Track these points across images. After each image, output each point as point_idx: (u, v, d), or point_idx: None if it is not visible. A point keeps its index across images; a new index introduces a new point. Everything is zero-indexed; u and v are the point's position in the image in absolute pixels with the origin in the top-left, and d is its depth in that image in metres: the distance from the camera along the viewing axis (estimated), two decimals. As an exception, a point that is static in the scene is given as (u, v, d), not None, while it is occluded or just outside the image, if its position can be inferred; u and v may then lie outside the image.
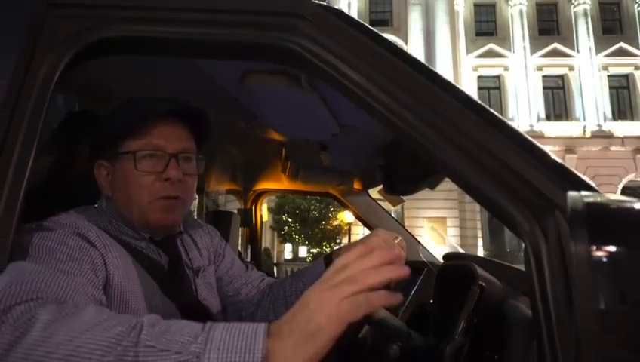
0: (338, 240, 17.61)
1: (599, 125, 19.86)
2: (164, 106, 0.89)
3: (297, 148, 1.63)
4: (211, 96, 1.23)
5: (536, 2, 21.21)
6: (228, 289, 1.12)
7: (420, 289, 1.27)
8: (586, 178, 0.64)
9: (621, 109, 20.43)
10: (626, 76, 20.61)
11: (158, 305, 0.87)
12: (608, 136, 19.75)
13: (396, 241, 0.87)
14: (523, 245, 0.60)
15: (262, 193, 2.44)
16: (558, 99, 20.87)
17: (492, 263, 1.17)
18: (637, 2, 20.75)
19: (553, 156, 0.67)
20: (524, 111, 20.16)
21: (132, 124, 0.88)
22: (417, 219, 18.43)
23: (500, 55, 20.85)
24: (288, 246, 20.05)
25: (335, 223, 17.33)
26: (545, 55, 20.69)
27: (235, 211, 2.46)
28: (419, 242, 2.18)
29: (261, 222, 2.51)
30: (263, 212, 2.54)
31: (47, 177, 1.07)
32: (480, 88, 20.89)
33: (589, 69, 20.32)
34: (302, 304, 0.53)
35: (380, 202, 2.26)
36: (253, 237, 2.48)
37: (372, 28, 0.78)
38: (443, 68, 20.17)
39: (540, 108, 20.39)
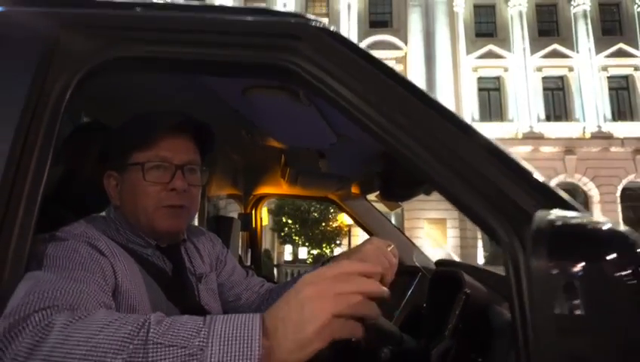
0: (338, 242, 17.66)
1: (599, 126, 19.89)
2: (171, 120, 0.94)
3: (296, 155, 1.68)
4: (213, 107, 1.27)
5: (536, 3, 21.26)
6: (229, 294, 1.17)
7: (416, 293, 1.32)
8: (566, 196, 0.68)
9: (621, 110, 20.46)
10: (626, 77, 20.65)
11: (163, 310, 0.91)
12: (608, 137, 19.78)
13: (389, 249, 0.92)
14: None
15: (262, 197, 2.48)
16: (557, 100, 20.91)
17: (480, 270, 1.21)
18: (636, 3, 20.80)
19: (535, 174, 0.72)
20: (523, 112, 20.19)
21: (141, 137, 0.93)
22: (418, 221, 18.48)
23: (499, 56, 20.88)
24: (288, 248, 20.08)
25: (335, 224, 17.38)
26: (545, 56, 20.73)
27: (236, 215, 2.51)
28: (415, 246, 2.23)
29: (261, 226, 2.56)
30: (263, 216, 2.58)
31: (58, 185, 1.12)
32: (480, 89, 20.94)
33: (588, 69, 20.35)
34: (298, 304, 0.56)
35: (378, 206, 2.30)
36: (253, 241, 2.53)
37: (366, 50, 0.83)
38: (443, 69, 20.22)
39: (539, 109, 20.42)
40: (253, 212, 2.52)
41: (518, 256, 0.58)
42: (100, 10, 0.87)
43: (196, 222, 2.20)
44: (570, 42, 20.80)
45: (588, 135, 19.97)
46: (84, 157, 1.11)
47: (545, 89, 20.79)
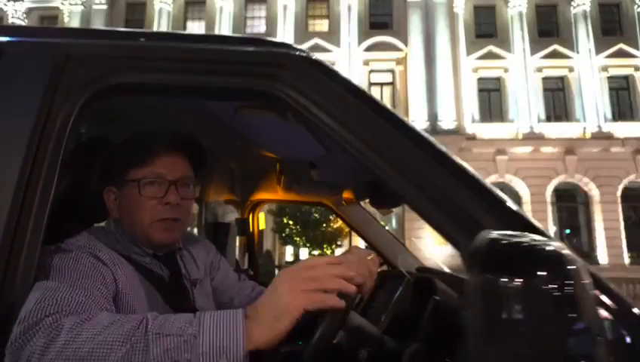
0: (339, 243, 17.72)
1: (599, 126, 19.91)
2: (165, 140, 1.02)
3: (289, 164, 1.76)
4: (210, 122, 1.36)
5: (536, 4, 21.29)
6: (223, 297, 1.25)
7: (401, 298, 1.39)
8: (530, 217, 0.76)
9: (621, 110, 20.47)
10: (626, 77, 20.66)
11: (160, 313, 0.99)
12: (608, 137, 19.79)
13: (369, 258, 1.00)
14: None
15: (258, 203, 2.56)
16: (558, 100, 20.92)
17: (455, 277, 1.29)
18: (636, 4, 20.81)
19: (499, 196, 0.79)
20: (524, 113, 20.21)
21: (137, 156, 1.01)
22: (418, 220, 18.51)
23: (499, 57, 20.92)
24: (290, 249, 20.15)
25: (336, 226, 17.44)
26: (545, 56, 20.75)
27: (233, 220, 2.59)
28: (407, 250, 2.31)
29: (258, 230, 2.64)
30: (260, 221, 2.66)
31: (61, 197, 1.20)
32: (480, 90, 20.97)
33: (588, 70, 20.37)
34: (272, 288, 0.70)
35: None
36: (250, 245, 2.61)
37: (344, 77, 0.90)
38: (443, 70, 20.27)
39: (540, 109, 20.45)
40: (251, 217, 2.59)
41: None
42: (100, 41, 0.95)
43: (195, 229, 2.29)
44: (570, 43, 20.82)
45: (588, 135, 19.98)
46: (86, 172, 1.19)
47: (545, 89, 20.81)
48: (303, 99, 0.86)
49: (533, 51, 20.67)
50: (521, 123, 20.21)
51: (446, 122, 19.89)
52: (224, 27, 21.89)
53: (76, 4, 22.70)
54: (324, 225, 17.49)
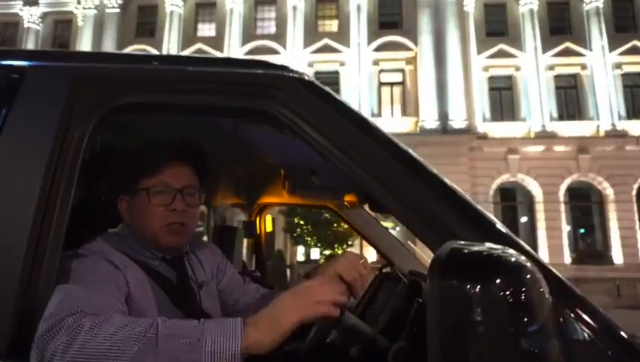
0: (350, 242, 17.77)
1: (613, 124, 19.66)
2: (172, 152, 1.12)
3: (292, 170, 1.85)
4: (215, 133, 1.45)
5: (547, 1, 21.10)
6: (229, 299, 1.33)
7: (397, 298, 1.46)
8: (501, 226, 0.83)
9: (635, 108, 20.19)
10: (640, 74, 20.39)
11: (169, 313, 1.08)
12: (622, 135, 19.53)
13: (360, 262, 1.08)
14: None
15: (265, 206, 2.65)
16: (570, 98, 20.71)
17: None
18: (651, -1, 20.51)
19: (477, 209, 0.87)
20: (536, 112, 20.05)
21: (147, 167, 1.10)
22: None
23: (511, 55, 20.78)
24: (301, 249, 20.26)
25: (346, 226, 17.46)
26: (557, 54, 20.57)
27: (241, 223, 2.68)
28: (410, 252, 2.37)
29: (265, 232, 2.73)
30: (267, 223, 2.75)
31: (77, 205, 1.29)
32: (491, 89, 20.85)
33: (602, 67, 20.13)
34: (274, 304, 0.81)
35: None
36: (257, 247, 2.70)
37: (334, 95, 0.98)
38: (453, 69, 20.19)
39: (552, 107, 20.27)
40: (258, 219, 2.68)
41: None
42: (112, 65, 1.04)
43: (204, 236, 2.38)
44: (582, 40, 20.59)
45: (602, 133, 19.75)
46: (99, 182, 1.28)
47: (557, 87, 20.62)
48: (296, 118, 0.94)
49: (545, 49, 20.49)
50: (533, 121, 20.05)
51: (457, 121, 19.82)
52: (234, 29, 22.08)
53: (90, 8, 23.10)
54: (335, 225, 17.54)
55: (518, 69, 20.72)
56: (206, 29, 22.93)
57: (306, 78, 1.00)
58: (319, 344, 0.88)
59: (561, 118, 20.33)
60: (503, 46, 20.79)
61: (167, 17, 22.57)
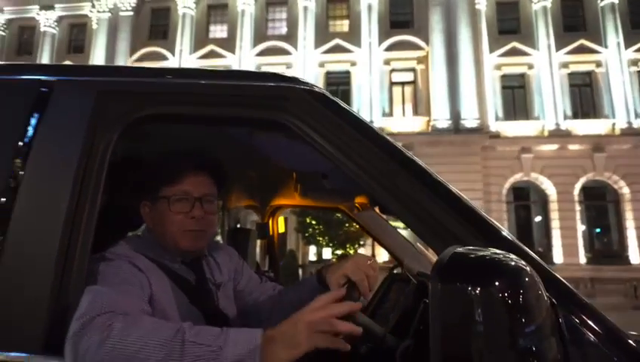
0: (362, 242, 17.79)
1: (629, 122, 19.35)
2: (192, 162, 1.18)
3: (304, 174, 1.90)
4: (229, 140, 1.51)
5: (561, -2, 20.87)
6: (248, 299, 1.39)
7: (406, 298, 1.51)
8: (511, 235, 0.87)
9: (653, 105, 19.86)
10: (657, 71, 20.02)
11: (187, 313, 1.14)
12: (639, 133, 19.21)
13: (368, 263, 1.13)
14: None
15: (278, 208, 2.71)
16: (585, 96, 20.44)
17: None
18: (668, -6, 20.13)
19: (481, 215, 0.91)
20: (549, 110, 19.83)
21: (168, 176, 1.17)
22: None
23: (524, 53, 20.58)
24: (313, 248, 20.33)
25: (358, 226, 17.47)
26: (571, 52, 20.31)
27: (254, 224, 2.74)
28: (420, 253, 2.41)
29: (278, 234, 2.79)
30: (280, 224, 2.81)
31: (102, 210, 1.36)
32: (504, 87, 20.68)
33: (617, 64, 19.83)
34: (292, 323, 0.83)
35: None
36: (271, 248, 2.76)
37: (343, 106, 1.03)
38: (465, 68, 20.06)
39: (566, 106, 20.02)
40: (270, 221, 2.74)
41: None
42: (134, 79, 1.11)
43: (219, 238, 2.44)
44: (597, 37, 20.31)
45: (617, 131, 19.44)
46: (122, 189, 1.35)
47: (571, 85, 20.36)
48: (306, 127, 0.99)
49: (559, 47, 20.25)
50: (546, 120, 19.83)
51: (469, 120, 19.69)
52: (246, 30, 22.24)
53: (104, 12, 23.46)
54: (347, 225, 17.57)
55: (531, 67, 20.51)
56: (218, 31, 23.13)
57: (316, 89, 1.05)
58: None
59: (575, 116, 20.07)
60: (515, 44, 20.59)
61: (180, 19, 22.82)
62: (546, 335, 0.70)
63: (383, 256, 12.75)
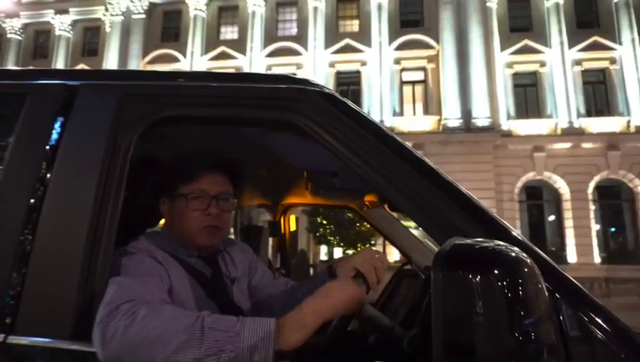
0: (373, 242, 17.79)
1: (645, 120, 19.06)
2: (208, 161, 1.24)
3: (314, 173, 1.95)
4: (243, 140, 1.56)
5: (574, -6, 20.61)
6: (262, 294, 1.44)
7: (415, 292, 1.55)
8: (514, 230, 0.91)
9: (668, 102, 19.50)
10: (674, 67, 19.66)
11: (204, 305, 1.20)
12: (655, 130, 18.92)
13: (376, 257, 1.18)
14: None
15: (289, 207, 2.77)
16: (599, 93, 20.15)
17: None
18: (684, -11, 19.76)
19: (485, 210, 0.95)
20: (562, 108, 19.60)
21: (186, 175, 1.23)
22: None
23: (536, 51, 20.36)
24: (324, 248, 20.37)
25: (369, 225, 17.47)
26: (584, 49, 20.04)
27: (266, 222, 2.80)
28: (427, 248, 2.44)
29: (289, 231, 2.85)
30: (291, 223, 2.87)
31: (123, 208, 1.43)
32: (515, 85, 20.48)
33: (632, 61, 19.52)
34: (299, 309, 0.92)
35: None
36: (282, 245, 2.83)
37: (352, 106, 1.08)
38: (476, 66, 19.93)
39: (579, 103, 19.77)
40: (282, 219, 2.80)
41: None
42: (152, 82, 1.17)
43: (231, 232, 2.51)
44: (611, 33, 20.01)
45: (632, 129, 19.14)
46: (142, 186, 1.41)
47: (585, 83, 20.08)
48: (316, 127, 1.04)
49: (572, 44, 20.00)
50: (559, 118, 19.61)
51: (480, 119, 19.56)
52: (256, 31, 22.37)
53: (117, 15, 23.79)
54: (358, 224, 17.58)
55: (543, 64, 20.29)
56: (228, 32, 23.30)
57: (326, 90, 1.10)
58: (341, 332, 0.98)
59: (589, 114, 19.80)
60: (527, 41, 20.38)
61: (191, 21, 23.05)
62: (545, 321, 0.73)
63: (394, 255, 12.75)
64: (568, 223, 19.07)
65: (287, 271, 2.83)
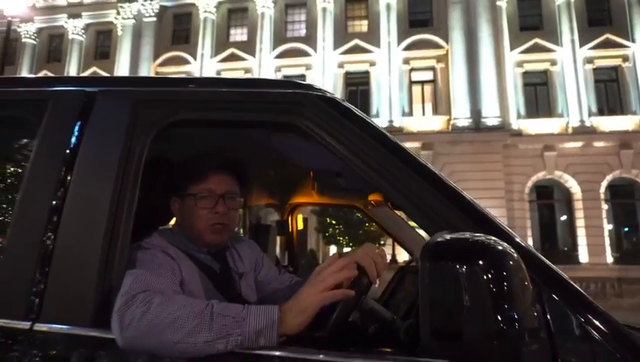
0: (382, 241, 17.81)
1: (657, 118, 18.81)
2: (216, 162, 1.31)
3: (319, 173, 2.02)
4: (251, 142, 1.64)
5: (585, -8, 20.42)
6: (267, 289, 1.51)
7: (417, 288, 1.61)
8: (506, 227, 0.97)
9: (682, 100, 19.23)
10: (688, 64, 19.38)
11: (213, 297, 1.27)
12: (668, 129, 18.66)
13: (376, 251, 1.24)
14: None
15: (296, 206, 2.84)
16: (611, 92, 19.94)
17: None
18: (698, -15, 19.46)
19: (480, 208, 1.01)
20: (573, 106, 19.42)
21: (195, 175, 1.30)
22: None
23: (546, 49, 20.21)
24: (333, 248, 20.42)
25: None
26: (595, 47, 19.84)
27: (274, 222, 2.88)
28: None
29: (297, 230, 2.92)
30: (299, 222, 2.94)
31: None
32: (525, 84, 20.35)
33: (645, 59, 19.29)
34: (297, 295, 0.99)
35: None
36: (290, 244, 2.90)
37: (353, 109, 1.14)
38: (486, 65, 19.84)
39: (591, 102, 19.58)
40: (290, 218, 2.88)
41: None
42: (164, 88, 1.24)
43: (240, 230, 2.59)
44: (624, 31, 19.79)
45: (646, 127, 18.92)
46: (154, 186, 1.49)
47: (597, 81, 19.89)
48: (319, 130, 1.11)
49: (583, 42, 19.81)
50: (570, 117, 19.43)
51: (490, 119, 19.46)
52: (265, 32, 22.51)
53: (128, 18, 24.12)
54: (367, 224, 17.61)
55: (554, 63, 20.13)
56: (238, 34, 23.49)
57: (328, 95, 1.17)
58: (342, 323, 1.04)
59: (601, 112, 19.60)
60: (537, 40, 20.24)
61: (201, 24, 23.27)
62: (528, 309, 0.79)
63: (404, 255, 12.76)
64: (580, 223, 18.89)
65: (295, 270, 2.90)
